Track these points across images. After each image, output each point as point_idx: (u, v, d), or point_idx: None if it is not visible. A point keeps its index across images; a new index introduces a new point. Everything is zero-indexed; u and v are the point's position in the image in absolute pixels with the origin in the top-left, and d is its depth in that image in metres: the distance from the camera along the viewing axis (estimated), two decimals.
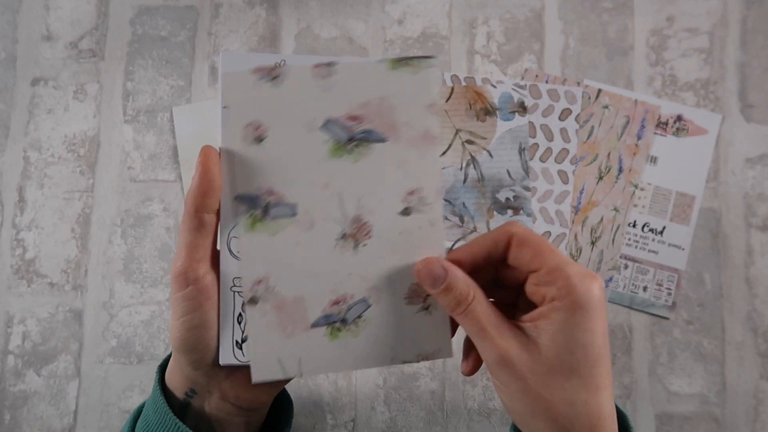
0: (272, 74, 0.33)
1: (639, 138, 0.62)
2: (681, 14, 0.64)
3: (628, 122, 0.62)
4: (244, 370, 0.34)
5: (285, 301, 0.33)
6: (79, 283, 0.62)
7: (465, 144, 0.62)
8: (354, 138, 0.34)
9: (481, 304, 0.32)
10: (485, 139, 0.62)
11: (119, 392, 0.60)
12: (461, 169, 0.62)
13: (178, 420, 0.34)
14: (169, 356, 0.37)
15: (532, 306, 0.33)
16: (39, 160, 0.63)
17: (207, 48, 0.65)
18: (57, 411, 0.60)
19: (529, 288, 0.33)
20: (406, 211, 0.35)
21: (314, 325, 0.34)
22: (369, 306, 0.34)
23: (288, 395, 0.42)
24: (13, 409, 0.60)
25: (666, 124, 0.62)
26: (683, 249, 0.60)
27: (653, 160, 0.61)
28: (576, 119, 0.62)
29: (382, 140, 0.34)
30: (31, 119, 0.64)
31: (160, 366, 0.38)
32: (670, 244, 0.60)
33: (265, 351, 0.34)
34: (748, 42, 0.63)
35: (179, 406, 0.35)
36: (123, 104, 0.64)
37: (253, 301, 0.34)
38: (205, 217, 0.33)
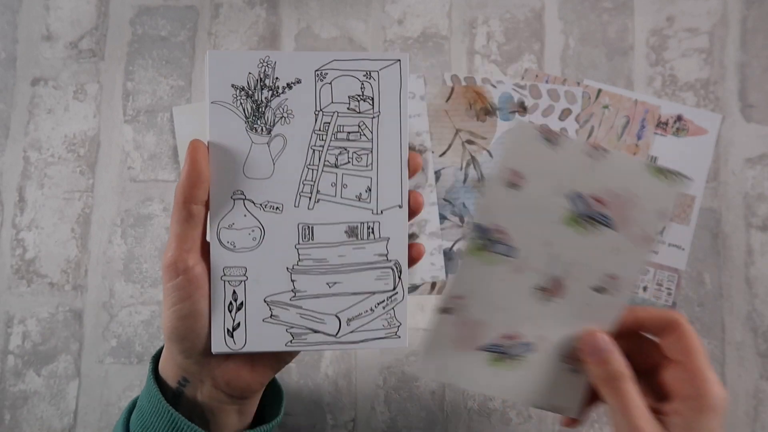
0: (554, 139, 0.36)
1: (639, 138, 0.62)
2: (681, 14, 0.64)
3: (628, 122, 0.62)
4: (235, 358, 0.37)
5: (469, 320, 0.37)
6: (79, 283, 0.62)
7: (465, 144, 0.62)
8: (591, 216, 0.39)
9: (631, 384, 0.36)
10: (485, 139, 0.62)
11: (119, 392, 0.60)
12: (461, 169, 0.62)
13: (171, 408, 0.35)
14: (162, 348, 0.38)
15: (655, 388, 0.38)
16: (39, 160, 0.63)
17: (207, 48, 0.65)
18: (57, 411, 0.60)
19: (665, 377, 0.37)
20: (600, 289, 0.39)
21: (482, 348, 0.38)
22: (531, 350, 0.38)
23: (278, 384, 0.44)
24: (13, 409, 0.60)
25: (666, 124, 0.62)
26: (683, 249, 0.60)
27: (653, 160, 0.61)
28: (576, 119, 0.62)
29: (612, 228, 0.39)
30: (31, 119, 0.64)
31: (153, 357, 0.39)
32: (670, 244, 0.60)
33: (436, 354, 0.38)
34: (748, 42, 0.63)
35: (172, 395, 0.36)
36: (123, 104, 0.64)
37: (446, 311, 0.37)
38: (193, 208, 0.34)
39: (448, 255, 0.61)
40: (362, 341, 0.39)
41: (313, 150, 0.38)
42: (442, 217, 0.61)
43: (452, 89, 0.63)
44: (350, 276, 0.38)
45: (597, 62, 0.63)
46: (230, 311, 0.37)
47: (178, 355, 0.36)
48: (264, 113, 0.38)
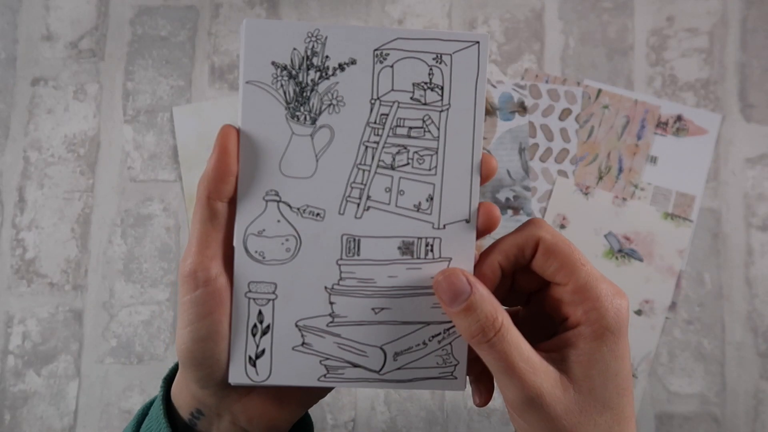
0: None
1: (639, 138, 0.62)
2: (681, 14, 0.64)
3: (628, 122, 0.62)
4: (259, 390, 0.31)
5: None
6: (79, 283, 0.62)
7: None
8: (623, 251, 0.47)
9: (510, 333, 0.28)
10: (485, 139, 0.62)
11: (119, 392, 0.60)
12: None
13: None
14: (176, 367, 0.33)
15: (543, 316, 0.30)
16: (39, 160, 0.63)
17: (207, 48, 0.65)
18: (57, 411, 0.60)
19: (550, 301, 0.30)
20: (638, 312, 0.47)
21: None
22: None
23: (310, 418, 0.37)
24: (13, 409, 0.60)
25: (666, 124, 0.62)
26: (683, 249, 0.60)
27: (653, 160, 0.61)
28: (576, 119, 0.62)
29: (640, 260, 0.47)
30: (31, 119, 0.64)
31: (165, 378, 0.33)
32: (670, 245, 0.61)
33: None
34: (748, 42, 0.63)
35: (183, 428, 0.31)
36: (123, 104, 0.64)
37: None
38: (218, 205, 0.29)
39: None
40: (410, 380, 0.32)
41: (366, 146, 0.32)
42: None
43: None
44: (401, 302, 0.32)
45: (597, 62, 0.63)
46: (254, 335, 0.31)
47: (193, 384, 0.30)
48: (309, 99, 0.31)
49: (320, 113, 0.31)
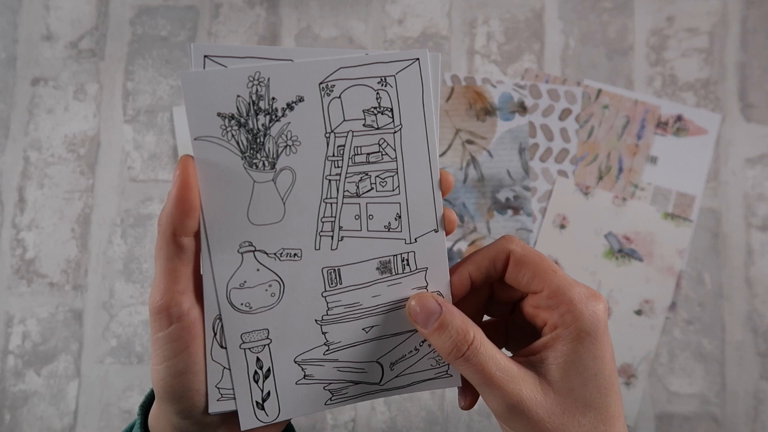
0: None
1: (639, 138, 0.62)
2: (681, 14, 0.64)
3: (628, 122, 0.62)
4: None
5: None
6: (79, 283, 0.62)
7: (465, 144, 0.62)
8: (623, 251, 0.48)
9: (484, 346, 0.29)
10: (485, 139, 0.62)
11: (119, 392, 0.60)
12: (461, 169, 0.62)
13: None
14: (152, 394, 0.33)
15: (527, 325, 0.31)
16: (39, 160, 0.63)
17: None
18: (57, 411, 0.60)
19: (528, 309, 0.31)
20: (638, 312, 0.48)
21: None
22: None
23: (293, 428, 0.38)
24: (13, 409, 0.60)
25: (666, 124, 0.62)
26: (683, 249, 0.60)
27: (653, 160, 0.61)
28: (576, 119, 0.62)
29: (640, 260, 0.48)
30: (31, 119, 0.64)
31: (142, 406, 0.33)
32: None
33: None
34: (748, 42, 0.63)
35: None
36: (123, 104, 0.64)
37: None
38: (184, 240, 0.29)
39: (448, 255, 0.61)
40: (410, 384, 0.34)
41: (329, 180, 0.32)
42: None
43: (452, 89, 0.63)
44: (388, 317, 0.34)
45: (597, 62, 0.63)
46: (256, 381, 0.31)
47: (174, 416, 0.30)
48: (264, 144, 0.31)
49: (278, 156, 0.31)
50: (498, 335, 0.34)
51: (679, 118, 0.62)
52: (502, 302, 0.33)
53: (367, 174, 0.32)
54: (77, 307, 0.61)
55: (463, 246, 0.61)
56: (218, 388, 0.30)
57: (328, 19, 0.65)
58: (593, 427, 0.28)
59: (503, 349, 0.32)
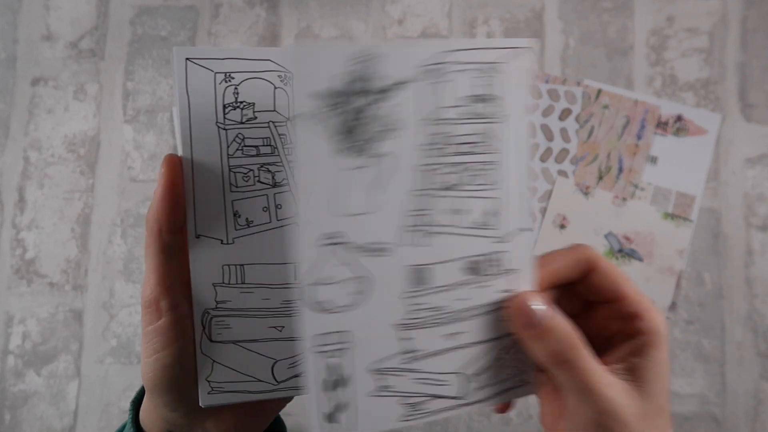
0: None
1: (639, 138, 0.62)
2: (681, 14, 0.64)
3: (628, 122, 0.62)
4: (230, 406, 0.32)
5: None
6: (79, 283, 0.62)
7: None
8: (623, 251, 0.48)
9: (587, 354, 0.29)
10: None
11: (119, 392, 0.60)
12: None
13: None
14: (143, 390, 0.33)
15: (595, 335, 0.31)
16: (39, 160, 0.63)
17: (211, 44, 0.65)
18: (57, 411, 0.60)
19: (600, 320, 0.31)
20: None
21: None
22: None
23: (282, 424, 0.39)
24: (13, 409, 0.60)
25: (666, 124, 0.62)
26: (683, 249, 0.60)
27: (653, 160, 0.61)
28: (576, 119, 0.62)
29: (640, 260, 0.48)
30: (31, 119, 0.64)
31: (133, 401, 0.33)
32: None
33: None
34: (748, 42, 0.63)
35: None
36: (123, 104, 0.64)
37: None
38: (170, 237, 0.30)
39: None
40: (491, 397, 0.32)
41: (423, 171, 0.29)
42: None
43: None
44: (473, 323, 0.31)
45: (597, 62, 0.63)
46: (326, 391, 0.29)
47: (163, 408, 0.31)
48: (358, 128, 0.29)
49: (372, 142, 0.29)
50: None
51: (679, 118, 0.62)
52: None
53: (465, 165, 0.30)
54: (77, 307, 0.61)
55: None
56: (208, 381, 0.31)
57: (328, 19, 0.65)
58: (662, 429, 0.29)
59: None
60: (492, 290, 0.30)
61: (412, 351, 0.30)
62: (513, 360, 0.31)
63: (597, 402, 0.28)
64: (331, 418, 0.29)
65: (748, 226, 0.60)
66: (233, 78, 0.30)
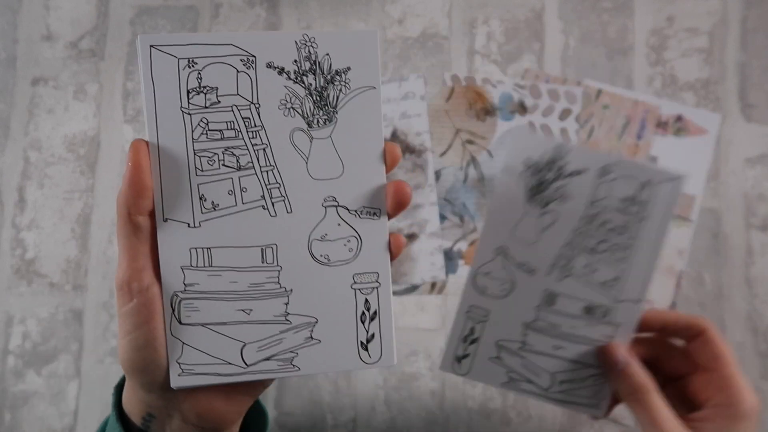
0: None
1: (639, 138, 0.62)
2: (681, 14, 0.64)
3: (628, 122, 0.62)
4: (206, 388, 0.33)
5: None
6: (79, 283, 0.62)
7: (465, 144, 0.62)
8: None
9: (655, 395, 0.37)
10: (485, 139, 0.62)
11: None
12: (461, 169, 0.62)
13: None
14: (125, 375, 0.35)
15: (685, 396, 0.39)
16: (39, 160, 0.63)
17: None
18: (57, 411, 0.60)
19: (695, 384, 0.38)
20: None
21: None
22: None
23: (263, 407, 0.40)
24: (13, 409, 0.60)
25: (666, 124, 0.62)
26: (683, 249, 0.60)
27: (653, 160, 0.61)
28: (576, 119, 0.62)
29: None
30: (31, 119, 0.64)
31: (116, 386, 0.34)
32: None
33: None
34: (748, 42, 0.63)
35: None
36: (123, 104, 0.64)
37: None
38: (140, 219, 0.30)
39: (448, 255, 0.61)
40: (566, 402, 0.42)
41: (578, 233, 0.41)
42: (442, 217, 0.61)
43: (452, 89, 0.63)
44: (575, 346, 0.41)
45: (597, 62, 0.63)
46: (462, 342, 0.41)
47: (139, 390, 0.32)
48: (545, 190, 0.41)
49: (550, 202, 0.41)
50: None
51: (679, 118, 0.62)
52: (664, 370, 0.41)
53: (606, 240, 0.41)
54: (77, 307, 0.61)
55: (463, 246, 0.61)
56: (179, 363, 0.31)
57: (328, 19, 0.65)
58: None
59: None
60: (597, 331, 0.41)
61: (527, 344, 0.42)
62: (593, 386, 0.42)
63: None
64: (458, 359, 0.42)
65: (748, 226, 0.61)
66: (196, 63, 0.31)
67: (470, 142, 0.62)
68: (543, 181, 0.41)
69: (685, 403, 0.39)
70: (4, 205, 0.63)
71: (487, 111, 0.63)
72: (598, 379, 0.42)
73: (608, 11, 0.64)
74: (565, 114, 0.62)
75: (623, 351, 0.39)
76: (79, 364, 0.61)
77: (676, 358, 0.40)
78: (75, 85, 0.64)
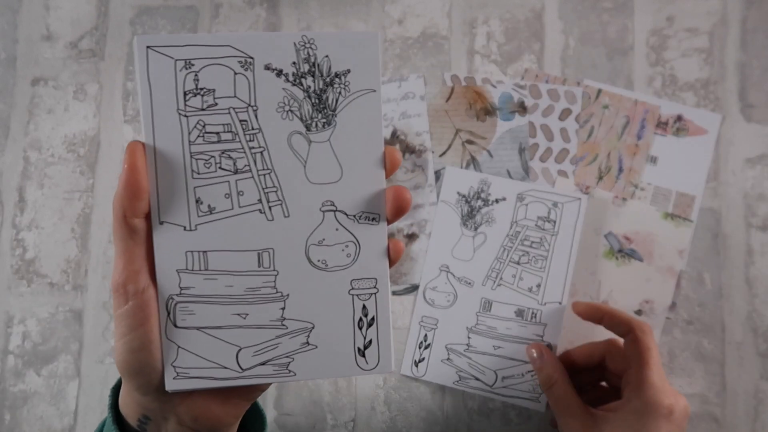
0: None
1: (639, 138, 0.62)
2: (681, 14, 0.64)
3: (628, 122, 0.62)
4: (202, 391, 0.32)
5: None
6: (79, 283, 0.62)
7: (465, 144, 0.62)
8: (623, 251, 0.56)
9: (561, 387, 0.43)
10: (485, 139, 0.62)
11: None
12: (461, 168, 0.62)
13: None
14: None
15: (619, 393, 0.45)
16: (39, 160, 0.63)
17: None
18: (57, 411, 0.60)
19: (625, 380, 0.42)
20: (638, 312, 0.56)
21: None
22: None
23: (260, 409, 0.39)
24: (13, 409, 0.60)
25: (666, 124, 0.62)
26: (683, 249, 0.60)
27: (653, 160, 0.61)
28: (576, 119, 0.62)
29: (640, 260, 0.56)
30: (31, 119, 0.64)
31: (113, 388, 0.35)
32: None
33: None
34: (748, 42, 0.63)
35: None
36: (123, 104, 0.64)
37: None
38: (135, 222, 0.30)
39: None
40: (510, 396, 0.50)
41: (504, 249, 0.52)
42: None
43: (452, 89, 0.63)
44: (512, 345, 0.50)
45: (597, 62, 0.63)
46: (419, 348, 0.50)
47: (135, 392, 0.32)
48: (475, 216, 0.52)
49: (480, 225, 0.53)
50: (609, 396, 0.48)
51: (679, 118, 0.62)
52: (609, 370, 0.49)
53: (527, 253, 0.52)
54: (77, 307, 0.61)
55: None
56: (174, 367, 0.31)
57: (328, 19, 0.65)
58: None
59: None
60: (529, 330, 0.50)
61: (471, 346, 0.50)
62: (532, 381, 0.50)
63: (563, 424, 0.42)
64: (415, 363, 0.51)
65: (748, 226, 0.61)
66: (193, 65, 0.31)
67: (470, 142, 0.62)
68: (473, 209, 0.52)
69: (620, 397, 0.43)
70: (4, 205, 0.63)
71: (487, 111, 0.63)
72: (534, 374, 0.49)
73: (608, 11, 0.64)
74: (565, 114, 0.62)
75: (537, 348, 0.47)
76: (78, 364, 0.60)
77: (618, 356, 0.46)
78: (75, 85, 0.64)
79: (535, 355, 0.47)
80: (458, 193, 0.53)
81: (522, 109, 0.63)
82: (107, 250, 0.62)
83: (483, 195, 0.53)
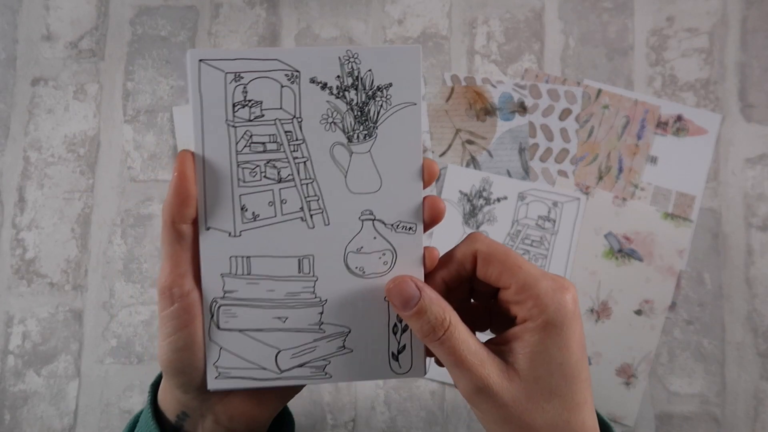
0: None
1: (639, 138, 0.62)
2: (681, 14, 0.64)
3: (628, 122, 0.62)
4: (238, 391, 0.34)
5: None
6: (79, 283, 0.62)
7: (465, 144, 0.62)
8: (623, 251, 0.55)
9: (458, 331, 0.30)
10: (485, 139, 0.62)
11: (119, 392, 0.60)
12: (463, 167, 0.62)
13: None
14: (161, 375, 0.36)
15: (505, 315, 0.33)
16: (39, 160, 0.63)
17: (207, 48, 0.65)
18: (57, 411, 0.60)
19: (501, 304, 0.33)
20: (638, 312, 0.55)
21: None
22: None
23: (289, 412, 0.40)
24: (13, 409, 0.60)
25: (666, 124, 0.62)
26: (683, 249, 0.60)
27: (653, 160, 0.61)
28: (576, 119, 0.62)
29: (640, 260, 0.55)
30: (31, 119, 0.64)
31: (152, 384, 0.36)
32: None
33: None
34: (748, 42, 0.63)
35: (171, 429, 0.34)
36: (123, 104, 0.64)
37: None
38: (183, 228, 0.32)
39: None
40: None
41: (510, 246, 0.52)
42: None
43: (452, 89, 0.63)
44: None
45: (597, 62, 0.63)
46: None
47: (176, 389, 0.33)
48: (477, 214, 0.52)
49: (482, 224, 0.55)
50: (482, 319, 0.36)
51: (679, 118, 0.62)
52: (481, 292, 0.35)
53: (527, 252, 0.54)
54: (77, 307, 0.61)
55: None
56: (216, 367, 0.33)
57: (328, 19, 0.65)
58: (557, 413, 0.29)
59: (488, 331, 0.36)
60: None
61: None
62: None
63: (470, 378, 0.29)
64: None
65: (748, 226, 0.60)
66: (242, 77, 0.32)
67: (470, 142, 0.62)
68: (475, 207, 0.52)
69: (505, 319, 0.33)
70: (4, 205, 0.63)
71: (487, 111, 0.63)
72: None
73: (608, 11, 0.64)
74: (565, 114, 0.62)
75: (412, 282, 0.31)
76: (78, 364, 0.60)
77: (478, 281, 0.34)
78: (75, 85, 0.64)
79: (405, 292, 0.31)
80: (460, 191, 0.52)
81: (522, 109, 0.63)
82: (107, 250, 0.62)
83: (485, 194, 0.53)
